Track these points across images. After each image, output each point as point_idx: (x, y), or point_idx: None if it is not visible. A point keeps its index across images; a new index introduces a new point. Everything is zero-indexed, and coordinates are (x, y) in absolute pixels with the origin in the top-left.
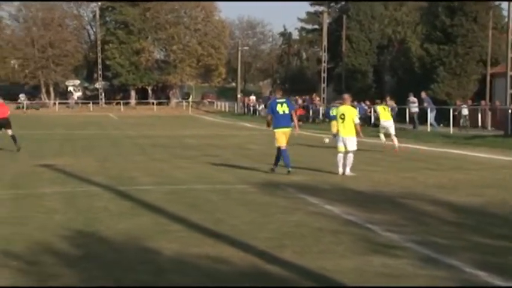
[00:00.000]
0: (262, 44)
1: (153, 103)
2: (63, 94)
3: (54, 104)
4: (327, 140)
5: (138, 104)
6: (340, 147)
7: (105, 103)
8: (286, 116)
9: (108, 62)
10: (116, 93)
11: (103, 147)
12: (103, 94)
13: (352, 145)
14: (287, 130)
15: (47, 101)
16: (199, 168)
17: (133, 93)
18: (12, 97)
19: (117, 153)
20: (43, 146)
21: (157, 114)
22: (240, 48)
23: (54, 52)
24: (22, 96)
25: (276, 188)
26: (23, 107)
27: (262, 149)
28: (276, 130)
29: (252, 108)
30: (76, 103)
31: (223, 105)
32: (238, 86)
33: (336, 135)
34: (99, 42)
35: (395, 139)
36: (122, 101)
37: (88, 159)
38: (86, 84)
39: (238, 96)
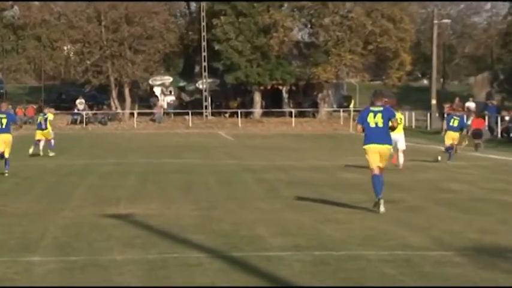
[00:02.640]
0: (474, 15)
1: (290, 114)
2: (145, 99)
3: (131, 115)
4: (439, 158)
5: (265, 114)
6: None
7: (213, 113)
8: (379, 130)
9: (217, 47)
10: (230, 97)
11: (208, 187)
12: (209, 99)
13: None
14: (383, 148)
15: (119, 110)
16: (367, 221)
17: (257, 97)
18: (65, 104)
19: (231, 197)
20: (114, 183)
21: (297, 131)
22: (436, 20)
23: (133, 32)
24: (80, 103)
25: (497, 255)
26: (81, 121)
27: (471, 191)
28: (366, 147)
29: None
30: (166, 113)
31: (407, 116)
32: (434, 85)
33: (449, 149)
34: (203, 14)
35: (401, 156)
36: (239, 111)
37: (184, 205)
38: (182, 84)
39: (433, 102)
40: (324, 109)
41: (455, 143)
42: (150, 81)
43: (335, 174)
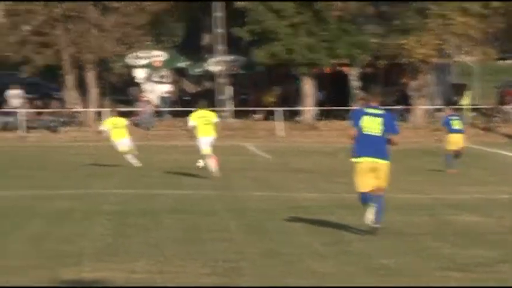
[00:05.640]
0: None
1: None
2: (121, 90)
3: (99, 116)
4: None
5: (323, 115)
6: None
7: (236, 113)
8: (376, 139)
9: (241, 4)
10: (264, 87)
11: (228, 236)
12: (230, 90)
13: None
14: (378, 164)
15: (78, 108)
16: None
17: (309, 86)
18: None
19: (266, 253)
20: (72, 230)
21: None
22: None
23: None
24: (15, 97)
25: None
26: (17, 126)
27: None
28: (356, 160)
29: None
30: (157, 113)
31: None
32: None
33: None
34: None
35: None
36: (279, 109)
37: (189, 266)
38: (183, 64)
39: None
40: (420, 107)
41: None
42: (129, 60)
43: (441, 215)
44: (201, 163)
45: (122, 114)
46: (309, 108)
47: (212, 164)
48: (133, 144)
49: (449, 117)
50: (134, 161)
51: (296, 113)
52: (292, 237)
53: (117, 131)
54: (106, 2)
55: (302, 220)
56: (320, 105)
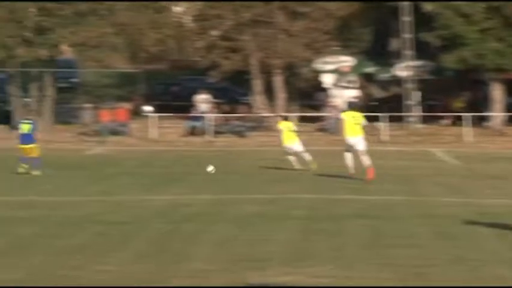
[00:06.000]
0: None
1: None
2: (308, 95)
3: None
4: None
5: None
6: None
7: (425, 118)
8: None
9: (429, 8)
10: (452, 92)
11: (415, 242)
12: (419, 95)
13: None
14: None
15: (266, 113)
16: None
17: (498, 92)
18: (176, 101)
19: (455, 258)
20: (260, 234)
21: None
22: None
23: None
24: (203, 101)
25: None
26: (204, 131)
27: None
28: None
29: None
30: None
31: None
32: None
33: None
34: None
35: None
36: (466, 114)
37: (374, 271)
38: (370, 69)
39: None
40: None
41: None
42: (317, 65)
43: None
44: (211, 168)
45: (310, 120)
46: (497, 114)
47: (368, 169)
48: (303, 149)
49: None
50: (299, 166)
51: (484, 119)
52: (479, 243)
53: (288, 135)
54: (294, 7)
55: (490, 226)
56: (509, 111)
